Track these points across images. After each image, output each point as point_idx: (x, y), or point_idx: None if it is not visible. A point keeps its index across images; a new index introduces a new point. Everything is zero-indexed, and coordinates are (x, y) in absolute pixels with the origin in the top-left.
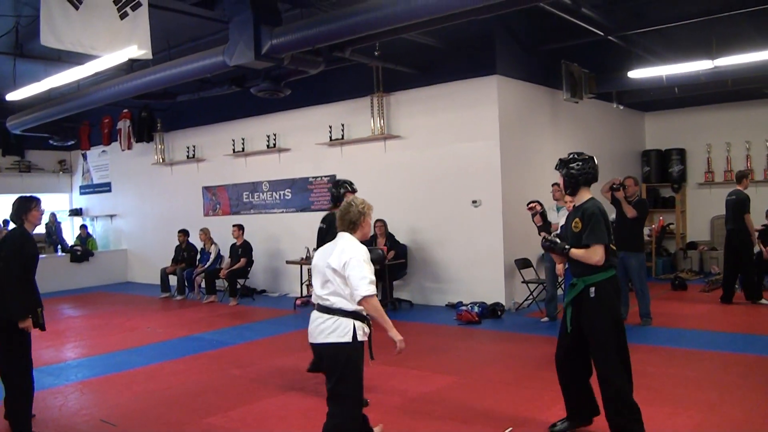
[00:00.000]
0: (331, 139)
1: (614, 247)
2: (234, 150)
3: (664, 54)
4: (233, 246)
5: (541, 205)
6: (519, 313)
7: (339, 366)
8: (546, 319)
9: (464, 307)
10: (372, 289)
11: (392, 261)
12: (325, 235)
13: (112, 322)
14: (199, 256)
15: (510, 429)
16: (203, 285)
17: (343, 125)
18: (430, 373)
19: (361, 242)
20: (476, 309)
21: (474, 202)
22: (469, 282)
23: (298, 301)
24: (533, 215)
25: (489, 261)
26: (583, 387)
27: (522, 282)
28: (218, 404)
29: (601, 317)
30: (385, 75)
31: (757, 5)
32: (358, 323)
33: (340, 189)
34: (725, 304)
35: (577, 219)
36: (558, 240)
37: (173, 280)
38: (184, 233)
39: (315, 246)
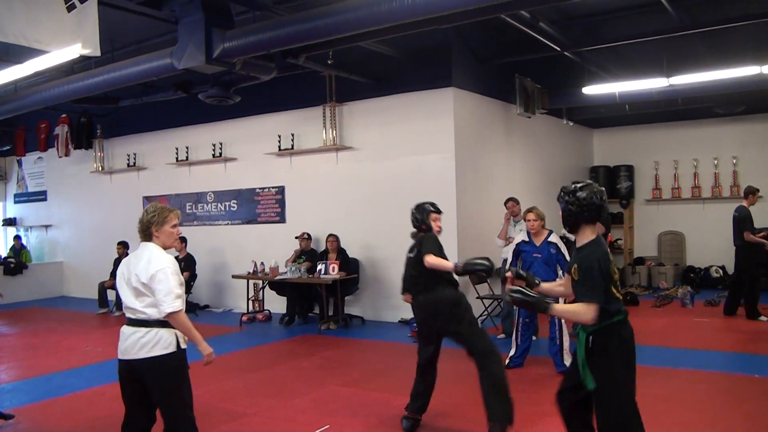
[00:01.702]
0: (280, 149)
1: (619, 295)
2: (177, 158)
3: (615, 71)
4: (176, 259)
5: (506, 269)
6: None
7: (169, 378)
8: (502, 336)
9: None
10: (177, 305)
11: (345, 277)
12: (418, 259)
13: (48, 340)
14: None
15: None
16: None
17: (293, 135)
18: (390, 395)
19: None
20: None
21: None
22: None
23: (245, 318)
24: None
25: None
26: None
27: (477, 297)
28: None
29: (602, 370)
30: (339, 84)
31: (709, 26)
32: (177, 332)
33: (423, 213)
34: (727, 317)
35: (575, 266)
36: (532, 294)
37: (112, 294)
38: (123, 245)
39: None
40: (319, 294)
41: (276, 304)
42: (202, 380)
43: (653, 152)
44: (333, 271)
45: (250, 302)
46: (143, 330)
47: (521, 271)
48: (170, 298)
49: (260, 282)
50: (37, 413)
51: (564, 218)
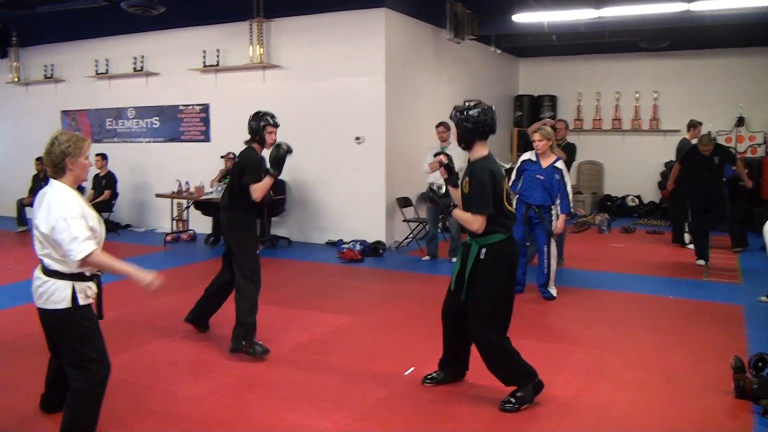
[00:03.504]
0: (204, 65)
1: (511, 209)
2: (97, 71)
3: (545, 1)
4: (96, 176)
5: (447, 155)
6: (399, 252)
7: (63, 334)
8: (427, 257)
9: (346, 245)
10: (86, 248)
11: (272, 198)
12: (235, 174)
13: None
14: None
15: (412, 369)
16: None
17: (218, 51)
18: (321, 313)
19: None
20: (358, 247)
21: (357, 138)
22: (350, 220)
23: (169, 237)
24: (439, 166)
25: (370, 199)
26: (463, 344)
27: (403, 220)
28: None
29: (486, 278)
30: None
31: None
32: (78, 285)
33: (259, 122)
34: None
35: (467, 178)
36: (440, 195)
37: (31, 212)
38: (41, 161)
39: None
40: None
41: (201, 224)
42: (130, 298)
43: (577, 83)
44: None
45: (174, 222)
46: (42, 279)
47: (449, 163)
48: (76, 244)
49: (184, 202)
50: None
51: (459, 136)
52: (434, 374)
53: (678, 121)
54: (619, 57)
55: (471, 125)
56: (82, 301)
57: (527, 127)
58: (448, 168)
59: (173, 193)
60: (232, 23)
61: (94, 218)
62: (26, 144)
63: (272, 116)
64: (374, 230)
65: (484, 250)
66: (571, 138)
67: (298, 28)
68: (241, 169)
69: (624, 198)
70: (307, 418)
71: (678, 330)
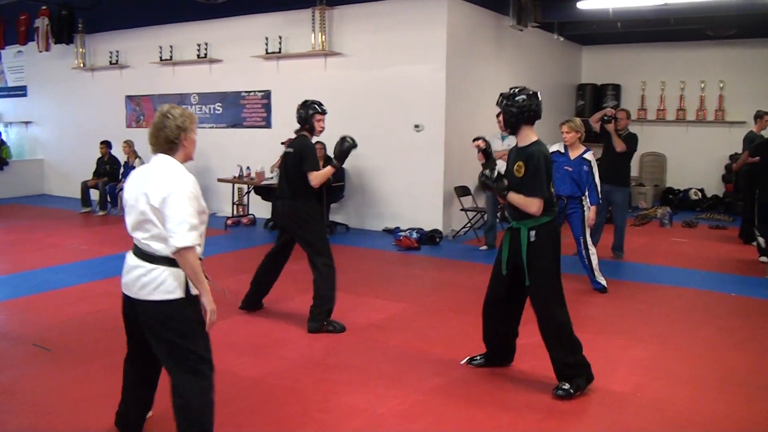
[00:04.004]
0: (267, 52)
1: (553, 194)
2: (161, 58)
3: None
4: None
5: (485, 141)
6: (456, 241)
7: (172, 330)
8: (485, 247)
9: (403, 233)
10: (191, 239)
11: (331, 184)
12: (293, 163)
13: (31, 237)
14: (122, 170)
15: (468, 358)
16: None
17: (280, 38)
18: (378, 299)
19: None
20: (415, 235)
21: (416, 126)
22: (407, 208)
23: (230, 221)
24: (478, 152)
25: (428, 187)
26: (506, 334)
27: (461, 209)
28: None
29: (542, 259)
30: None
31: None
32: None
33: (308, 110)
34: (739, 242)
35: (520, 162)
36: (495, 179)
37: (95, 194)
38: (106, 145)
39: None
40: None
41: (261, 208)
42: None
43: (641, 72)
44: None
45: (235, 206)
46: (146, 267)
47: (488, 149)
48: (183, 229)
49: (245, 186)
50: (27, 306)
51: (506, 121)
52: (478, 357)
53: (744, 113)
54: (685, 45)
55: (516, 110)
56: (194, 290)
57: (589, 117)
58: (486, 153)
59: (234, 178)
60: (295, 11)
61: (202, 198)
62: (91, 128)
63: (319, 104)
64: (431, 218)
65: (533, 233)
66: (634, 128)
67: (360, 15)
68: (301, 157)
69: (686, 191)
70: (363, 402)
71: (738, 328)
